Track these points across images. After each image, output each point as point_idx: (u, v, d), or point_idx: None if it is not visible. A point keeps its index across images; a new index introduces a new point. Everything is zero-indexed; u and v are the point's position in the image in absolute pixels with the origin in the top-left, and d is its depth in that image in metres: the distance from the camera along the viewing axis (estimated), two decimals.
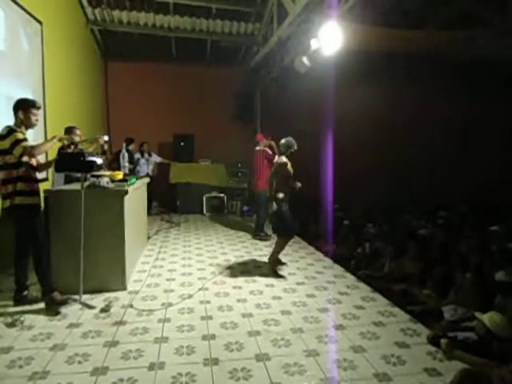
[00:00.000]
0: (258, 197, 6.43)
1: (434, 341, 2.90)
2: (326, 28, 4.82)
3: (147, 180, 5.98)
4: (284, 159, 4.47)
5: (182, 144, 9.04)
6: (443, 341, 2.81)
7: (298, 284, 4.20)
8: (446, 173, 9.63)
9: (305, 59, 5.70)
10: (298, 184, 4.63)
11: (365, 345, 2.87)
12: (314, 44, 5.18)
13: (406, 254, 4.95)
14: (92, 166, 3.20)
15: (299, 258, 5.22)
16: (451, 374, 2.46)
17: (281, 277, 4.40)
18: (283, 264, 4.83)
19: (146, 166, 8.34)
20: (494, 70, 8.26)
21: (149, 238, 6.24)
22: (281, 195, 4.40)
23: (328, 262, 5.13)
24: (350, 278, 4.45)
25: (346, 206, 8.16)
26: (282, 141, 4.58)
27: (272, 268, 4.57)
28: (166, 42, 9.12)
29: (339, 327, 3.17)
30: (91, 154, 3.28)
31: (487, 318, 2.83)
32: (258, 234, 6.38)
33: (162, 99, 9.56)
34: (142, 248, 5.51)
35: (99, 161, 3.32)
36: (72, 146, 4.33)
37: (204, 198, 8.85)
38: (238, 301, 3.71)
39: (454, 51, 7.10)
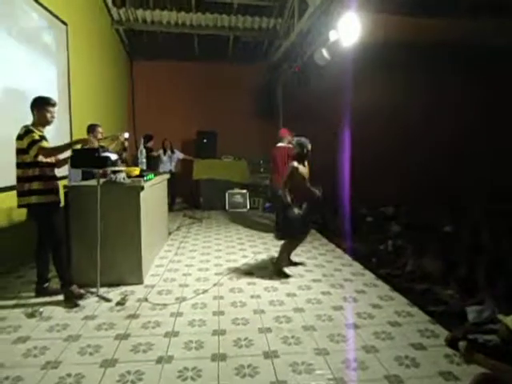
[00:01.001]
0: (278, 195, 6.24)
1: (452, 343, 2.76)
2: (345, 19, 4.68)
3: (167, 176, 6.06)
4: (295, 164, 4.26)
5: (205, 141, 9.12)
6: (462, 343, 2.66)
7: (314, 281, 4.12)
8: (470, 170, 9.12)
9: (324, 52, 5.58)
10: (317, 192, 4.39)
11: (378, 345, 2.78)
12: (332, 36, 5.05)
13: (428, 253, 4.75)
14: (106, 161, 3.25)
15: (318, 255, 5.13)
16: (469, 379, 2.33)
17: (287, 276, 4.24)
18: (298, 264, 4.68)
19: (169, 163, 8.47)
20: None
21: (170, 233, 6.33)
22: (288, 199, 4.21)
23: (347, 259, 5.02)
24: (369, 276, 4.32)
25: (370, 202, 7.94)
26: (294, 140, 4.42)
27: (277, 269, 4.37)
28: (188, 40, 9.21)
29: (353, 326, 3.08)
30: (105, 150, 3.33)
31: (511, 320, 2.67)
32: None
33: (185, 97, 9.68)
34: (162, 243, 5.59)
35: (114, 156, 3.37)
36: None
37: (226, 195, 8.89)
38: (252, 297, 3.68)
39: (479, 39, 6.75)
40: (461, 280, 3.97)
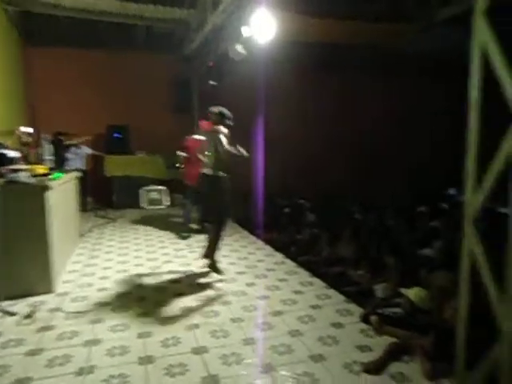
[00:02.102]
0: (193, 191, 5.73)
1: (365, 319, 3.04)
2: (257, 16, 4.78)
3: (77, 174, 5.60)
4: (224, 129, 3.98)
5: (116, 135, 8.61)
6: (373, 318, 2.95)
7: (238, 274, 4.19)
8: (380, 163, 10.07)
9: (239, 47, 5.64)
10: (242, 151, 3.99)
11: (302, 328, 2.94)
12: (246, 32, 5.12)
13: (342, 238, 5.13)
14: (1, 159, 2.89)
15: (240, 248, 5.22)
16: (381, 349, 2.59)
17: (221, 272, 4.11)
18: (221, 272, 4.12)
19: (77, 160, 7.82)
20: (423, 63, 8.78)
21: (82, 235, 5.88)
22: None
23: (269, 249, 5.19)
24: (290, 265, 4.53)
25: (287, 194, 8.29)
26: (215, 109, 4.06)
27: (211, 264, 4.12)
28: (95, 27, 8.54)
29: (278, 313, 3.21)
30: (2, 147, 2.96)
31: (412, 293, 3.03)
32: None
33: (93, 88, 8.98)
34: (74, 247, 5.17)
35: (12, 154, 3.01)
36: None
37: (142, 192, 8.53)
38: (176, 295, 3.61)
39: (384, 44, 7.47)
40: (370, 261, 4.36)
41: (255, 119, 8.84)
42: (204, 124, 5.86)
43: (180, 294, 3.61)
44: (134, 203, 8.45)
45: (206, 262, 4.16)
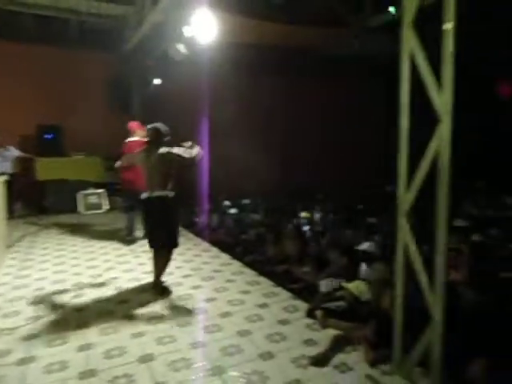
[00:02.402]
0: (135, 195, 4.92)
1: (311, 313, 3.14)
2: (197, 15, 4.74)
3: (3, 178, 5.15)
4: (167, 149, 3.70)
5: (48, 136, 8.04)
6: (318, 312, 3.06)
7: (184, 277, 4.11)
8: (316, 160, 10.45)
9: (180, 47, 5.55)
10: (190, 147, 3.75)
11: (250, 328, 2.96)
12: (187, 31, 5.05)
13: (286, 237, 5.25)
14: None
15: (185, 251, 5.12)
16: (326, 341, 2.70)
17: (170, 293, 3.71)
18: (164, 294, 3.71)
19: (3, 163, 7.18)
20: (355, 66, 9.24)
21: (10, 245, 5.41)
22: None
23: (215, 251, 5.16)
24: (237, 265, 4.54)
25: (233, 195, 8.31)
26: (151, 127, 3.79)
27: (160, 289, 3.73)
28: (24, 20, 7.91)
29: (226, 314, 3.20)
30: None
31: (353, 286, 3.19)
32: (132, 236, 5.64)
33: (22, 86, 8.29)
34: (2, 258, 4.74)
35: None
36: None
37: (79, 196, 8.04)
38: (119, 302, 3.47)
39: (320, 47, 7.77)
40: (313, 258, 4.51)
41: (199, 120, 8.76)
42: (133, 125, 5.55)
43: (123, 302, 3.47)
44: (71, 208, 7.93)
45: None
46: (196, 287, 3.83)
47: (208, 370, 2.43)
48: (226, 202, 7.84)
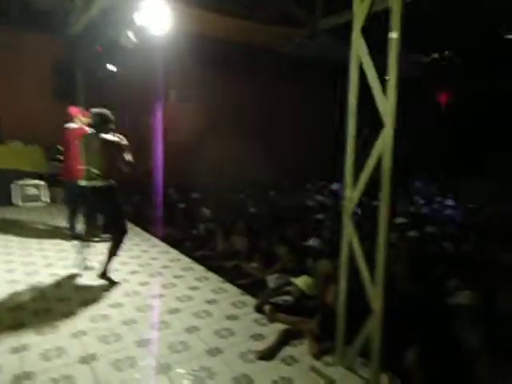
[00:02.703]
0: (73, 188, 4.57)
1: (259, 309, 3.19)
2: (148, 3, 4.58)
3: None
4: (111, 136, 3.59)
5: None
6: (266, 307, 3.11)
7: (131, 273, 3.99)
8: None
9: (131, 34, 5.34)
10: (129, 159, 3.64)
11: (198, 324, 2.94)
12: (138, 19, 4.87)
13: (236, 232, 5.28)
14: None
15: (133, 246, 4.97)
16: (274, 336, 2.75)
17: (115, 283, 3.71)
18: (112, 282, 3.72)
19: None
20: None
21: None
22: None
23: (164, 246, 5.05)
24: (186, 261, 4.49)
25: (181, 189, 8.18)
26: (97, 111, 3.62)
27: (107, 279, 3.71)
28: None
29: (174, 311, 3.15)
30: None
31: (300, 281, 3.28)
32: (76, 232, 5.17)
33: None
34: None
35: None
36: None
37: (15, 186, 7.49)
38: (60, 300, 3.28)
39: (278, 46, 7.87)
40: (262, 253, 4.58)
41: (151, 112, 8.49)
42: (73, 110, 5.12)
43: (63, 300, 3.29)
44: (4, 200, 7.36)
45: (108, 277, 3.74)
46: (143, 284, 3.73)
47: (154, 368, 2.38)
48: (176, 197, 7.71)
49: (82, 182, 3.60)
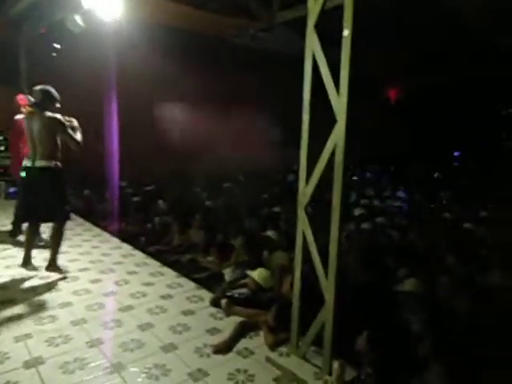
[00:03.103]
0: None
1: (215, 302, 3.18)
2: None
3: None
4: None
5: None
6: (223, 301, 3.11)
7: (80, 271, 3.81)
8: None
9: (78, 18, 5.04)
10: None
11: (153, 320, 2.88)
12: (85, 2, 4.59)
13: (192, 226, 5.21)
14: None
15: (82, 242, 4.76)
16: (230, 329, 2.76)
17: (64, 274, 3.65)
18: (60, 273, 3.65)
19: None
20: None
21: None
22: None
23: (116, 242, 4.88)
24: (140, 256, 4.37)
25: (135, 182, 7.93)
26: (40, 89, 3.39)
27: (56, 269, 3.64)
28: None
29: (127, 308, 3.07)
30: None
31: (256, 274, 3.30)
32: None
33: None
34: None
35: None
36: None
37: None
38: (1, 303, 3.07)
39: (233, 37, 7.77)
40: (219, 246, 4.55)
41: (100, 100, 8.09)
42: (21, 99, 4.83)
43: (7, 302, 3.09)
44: None
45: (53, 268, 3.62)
46: (94, 281, 3.58)
47: (106, 369, 2.30)
48: (130, 189, 7.47)
49: (27, 163, 3.39)
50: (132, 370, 2.31)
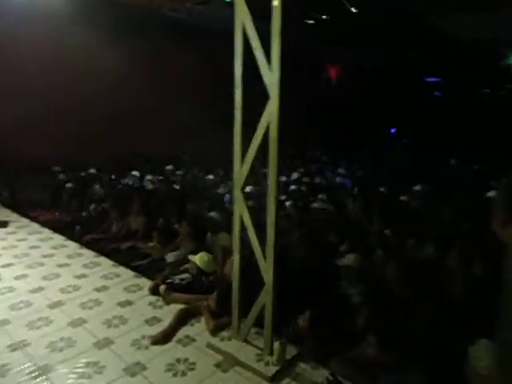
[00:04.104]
0: None
1: (155, 290, 3.04)
2: None
3: None
4: None
5: None
6: (161, 288, 2.97)
7: (3, 267, 3.47)
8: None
9: None
10: None
11: (86, 316, 2.69)
12: None
13: (132, 211, 4.95)
14: None
15: (6, 235, 4.34)
16: (170, 317, 2.65)
17: None
18: None
19: None
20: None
21: None
22: None
23: (47, 232, 4.52)
24: (73, 247, 4.07)
25: (69, 167, 7.36)
26: None
27: None
28: None
29: (56, 304, 2.84)
30: None
31: (197, 258, 3.19)
32: None
33: None
34: None
35: None
36: None
37: None
38: None
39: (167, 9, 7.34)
40: (161, 231, 4.37)
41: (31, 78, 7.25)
42: None
43: None
44: None
45: None
46: (19, 277, 3.28)
47: (31, 373, 2.11)
48: (62, 176, 6.94)
49: None
50: (61, 371, 2.13)
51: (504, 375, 1.34)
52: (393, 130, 16.85)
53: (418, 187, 6.12)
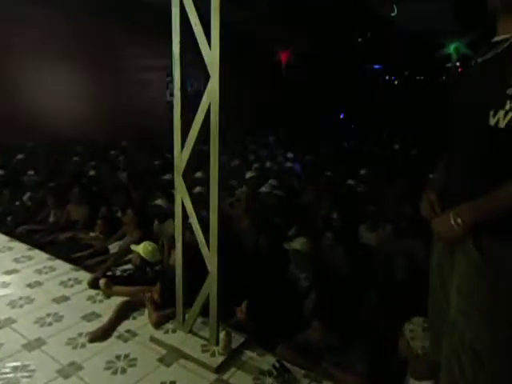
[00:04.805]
0: None
1: (94, 284, 2.85)
2: None
3: None
4: None
5: None
6: (101, 281, 2.79)
7: None
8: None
9: None
10: None
11: (14, 315, 2.46)
12: None
13: (72, 200, 4.63)
14: None
15: None
16: (110, 312, 2.50)
17: None
18: None
19: None
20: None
21: None
22: None
23: None
24: (2, 240, 3.72)
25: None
26: None
27: None
28: None
29: None
30: None
31: (141, 248, 3.02)
32: None
33: None
34: None
35: None
36: None
37: None
38: None
39: None
40: (104, 220, 4.12)
41: None
42: None
43: None
44: None
45: None
46: None
47: None
48: None
49: None
50: None
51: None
52: (342, 115, 17.30)
53: (363, 171, 6.30)
